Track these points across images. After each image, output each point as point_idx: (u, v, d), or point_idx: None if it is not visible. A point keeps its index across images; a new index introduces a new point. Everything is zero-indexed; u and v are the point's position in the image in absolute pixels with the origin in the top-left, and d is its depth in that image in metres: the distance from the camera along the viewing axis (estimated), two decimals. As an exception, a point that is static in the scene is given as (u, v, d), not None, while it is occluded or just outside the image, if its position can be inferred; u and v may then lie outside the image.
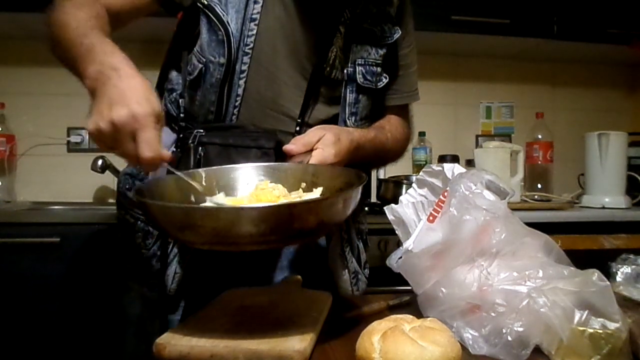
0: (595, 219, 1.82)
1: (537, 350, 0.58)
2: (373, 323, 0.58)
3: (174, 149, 0.91)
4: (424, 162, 2.17)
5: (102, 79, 0.65)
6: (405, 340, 0.53)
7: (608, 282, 0.58)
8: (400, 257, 0.75)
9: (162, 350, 0.61)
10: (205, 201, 0.75)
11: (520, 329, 0.58)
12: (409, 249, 0.77)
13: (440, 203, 0.78)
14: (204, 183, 0.77)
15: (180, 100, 0.93)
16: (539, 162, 2.17)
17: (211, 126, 0.89)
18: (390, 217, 0.86)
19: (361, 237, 1.07)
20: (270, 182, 0.77)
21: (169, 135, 0.95)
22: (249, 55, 0.89)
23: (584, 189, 2.10)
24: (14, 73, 2.08)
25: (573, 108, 2.53)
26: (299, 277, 0.90)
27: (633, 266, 0.82)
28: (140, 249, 0.93)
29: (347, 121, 0.96)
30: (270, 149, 0.86)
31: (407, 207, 0.85)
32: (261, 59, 0.90)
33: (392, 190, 1.76)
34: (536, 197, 2.07)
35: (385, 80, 1.00)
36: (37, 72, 2.05)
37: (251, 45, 0.89)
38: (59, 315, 1.50)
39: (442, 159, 2.14)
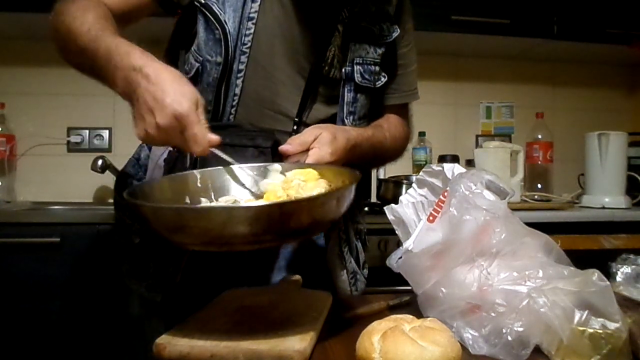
0: (595, 219, 1.82)
1: (537, 350, 0.58)
2: (373, 323, 0.58)
3: (171, 149, 0.91)
4: (424, 162, 2.17)
5: (132, 85, 0.67)
6: (405, 340, 0.53)
7: (608, 282, 0.58)
8: (400, 257, 0.75)
9: (162, 350, 0.61)
10: (200, 203, 0.75)
11: (520, 329, 0.58)
12: (409, 249, 0.77)
13: (440, 203, 0.78)
14: (198, 184, 0.77)
15: None
16: (539, 162, 2.17)
17: (208, 125, 0.89)
18: (390, 217, 0.86)
19: (360, 237, 1.06)
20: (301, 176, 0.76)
21: None
22: (247, 55, 0.89)
23: (584, 189, 2.10)
24: (14, 73, 2.08)
25: (573, 108, 2.53)
26: (299, 277, 0.90)
27: (633, 266, 0.82)
28: (138, 249, 0.93)
29: (345, 120, 0.96)
30: (267, 148, 0.86)
31: (407, 207, 0.85)
32: (259, 58, 0.90)
33: (392, 190, 1.77)
34: (536, 197, 2.07)
35: (383, 80, 1.00)
36: (37, 72, 2.05)
37: (249, 44, 0.89)
38: (59, 315, 1.50)
39: (442, 159, 2.14)
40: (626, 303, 0.65)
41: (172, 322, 0.68)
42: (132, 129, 0.90)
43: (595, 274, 0.59)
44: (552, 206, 1.95)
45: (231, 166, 0.80)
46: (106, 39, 0.73)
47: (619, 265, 0.83)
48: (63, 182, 2.10)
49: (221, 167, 0.80)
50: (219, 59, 0.88)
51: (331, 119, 0.96)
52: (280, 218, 0.59)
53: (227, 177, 0.80)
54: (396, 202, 0.86)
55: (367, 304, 0.80)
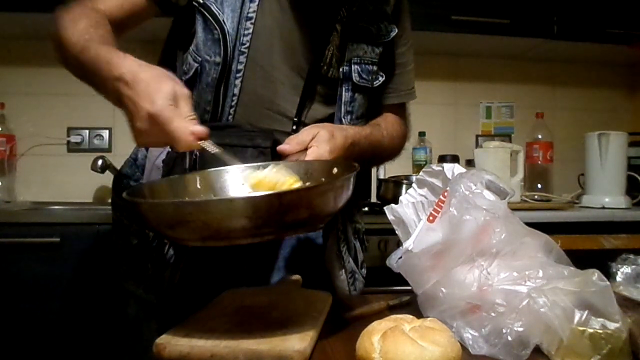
0: (595, 219, 1.82)
1: (537, 350, 0.58)
2: (373, 323, 0.58)
3: (169, 149, 0.91)
4: (424, 162, 2.17)
5: (117, 95, 0.68)
6: (405, 340, 0.53)
7: (608, 282, 0.58)
8: (400, 257, 0.75)
9: (162, 350, 0.61)
10: None
11: (520, 329, 0.58)
12: (409, 249, 0.77)
13: (440, 203, 0.78)
14: (198, 186, 0.77)
15: None
16: (539, 162, 2.17)
17: (207, 126, 0.89)
18: (390, 217, 0.86)
19: (358, 237, 1.06)
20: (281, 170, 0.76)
21: None
22: (245, 55, 0.89)
23: (584, 189, 2.10)
24: (14, 73, 2.08)
25: (573, 108, 2.53)
26: (299, 277, 0.90)
27: (633, 266, 0.82)
28: (136, 250, 0.93)
29: (343, 120, 0.96)
30: (267, 148, 0.86)
31: (407, 207, 0.85)
32: (257, 58, 0.90)
33: (392, 190, 1.77)
34: (536, 197, 2.07)
35: (381, 79, 1.00)
36: (37, 72, 2.05)
37: (247, 44, 0.89)
38: (58, 315, 1.50)
39: (442, 159, 2.14)
40: (626, 303, 0.65)
41: (170, 324, 0.68)
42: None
43: (595, 274, 0.59)
44: (552, 206, 1.95)
45: (229, 166, 0.80)
46: (89, 50, 0.74)
47: (619, 265, 0.83)
48: (63, 182, 2.10)
49: (220, 168, 0.80)
50: (218, 59, 0.88)
51: (330, 119, 0.97)
52: (280, 208, 0.58)
53: (226, 178, 0.80)
54: (396, 202, 0.86)
55: (367, 304, 0.80)
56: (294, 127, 0.93)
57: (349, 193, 0.68)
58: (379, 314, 0.76)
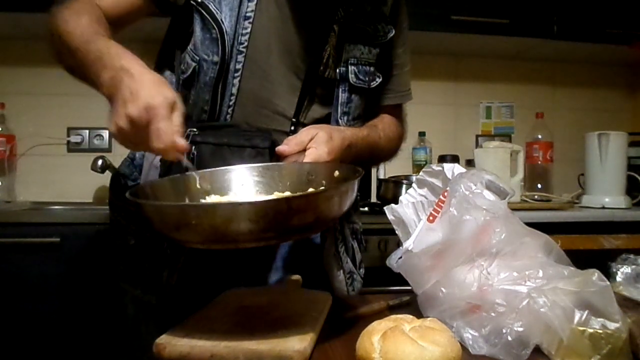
0: (595, 219, 1.82)
1: (537, 350, 0.58)
2: (373, 323, 0.58)
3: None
4: (424, 162, 2.17)
5: (115, 83, 0.67)
6: (405, 340, 0.53)
7: (608, 282, 0.58)
8: (400, 257, 0.75)
9: (162, 350, 0.61)
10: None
11: (520, 329, 0.58)
12: (409, 249, 0.77)
13: (440, 203, 0.78)
14: (197, 186, 0.77)
15: None
16: (539, 162, 2.17)
17: (205, 125, 0.89)
18: (390, 217, 0.86)
19: (356, 237, 1.06)
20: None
21: None
22: (243, 54, 0.89)
23: (584, 189, 2.10)
24: (14, 73, 2.08)
25: (573, 108, 2.53)
26: (299, 277, 0.90)
27: (633, 266, 0.82)
28: (133, 251, 0.93)
29: (339, 121, 0.96)
30: (265, 149, 0.85)
31: (407, 207, 0.85)
32: (255, 58, 0.90)
33: (392, 190, 1.77)
34: (536, 197, 2.07)
35: (378, 80, 1.00)
36: (37, 72, 2.05)
37: (245, 43, 0.88)
38: (58, 315, 1.50)
39: (442, 159, 2.14)
40: (626, 303, 0.65)
41: (168, 324, 0.68)
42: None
43: (595, 274, 0.59)
44: (552, 206, 1.95)
45: (231, 167, 0.80)
46: (98, 41, 0.74)
47: (619, 265, 0.83)
48: (63, 182, 2.10)
49: (222, 168, 0.80)
50: (216, 59, 0.87)
51: (327, 119, 0.97)
52: (287, 213, 0.59)
53: (227, 178, 0.80)
54: (396, 202, 0.87)
55: (367, 304, 0.80)
56: (292, 128, 0.93)
57: (353, 197, 0.69)
58: (379, 314, 0.76)
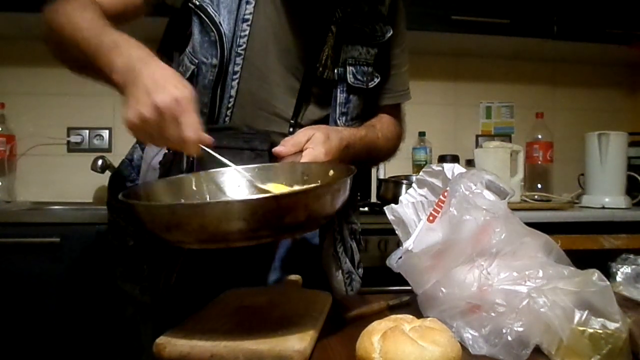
0: (595, 219, 1.82)
1: (537, 350, 0.58)
2: (373, 323, 0.58)
3: (167, 151, 0.91)
4: (424, 162, 2.17)
5: (134, 71, 0.66)
6: (405, 340, 0.53)
7: (608, 282, 0.58)
8: (400, 257, 0.75)
9: (162, 350, 0.61)
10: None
11: (520, 329, 0.58)
12: (409, 249, 0.77)
13: (440, 203, 0.78)
14: (194, 187, 0.77)
15: None
16: (539, 162, 2.17)
17: (204, 128, 0.89)
18: (390, 217, 0.86)
19: (354, 237, 1.06)
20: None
21: None
22: (242, 56, 0.88)
23: (584, 189, 2.10)
24: (14, 73, 2.08)
25: (573, 108, 2.53)
26: (299, 277, 0.90)
27: (633, 266, 0.82)
28: (132, 252, 0.93)
29: (338, 121, 0.96)
30: (264, 151, 0.85)
31: (407, 207, 0.85)
32: (254, 60, 0.90)
33: (392, 190, 1.76)
34: (536, 197, 2.07)
35: (376, 80, 1.00)
36: (37, 72, 2.05)
37: (244, 46, 0.88)
38: (58, 315, 1.50)
39: (442, 159, 2.14)
40: (626, 303, 0.65)
41: (166, 325, 0.68)
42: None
43: (595, 274, 0.59)
44: (552, 206, 1.95)
45: (226, 168, 0.79)
46: (113, 33, 0.73)
47: (619, 265, 0.83)
48: (63, 182, 2.10)
49: (217, 170, 0.80)
50: (215, 61, 0.87)
51: (326, 120, 0.96)
52: (277, 211, 0.58)
53: (223, 180, 0.80)
54: (396, 202, 0.87)
55: (367, 304, 0.80)
56: (291, 129, 0.93)
57: (346, 195, 0.68)
58: (379, 314, 0.76)
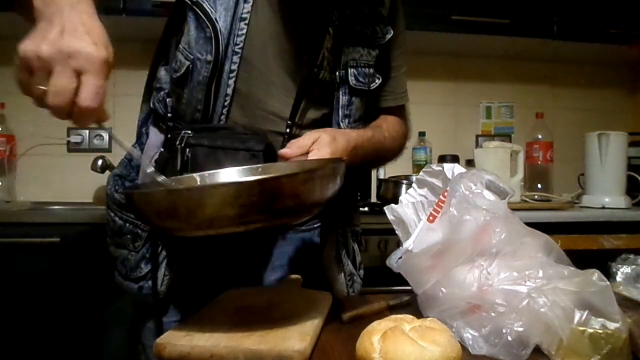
0: (595, 219, 1.82)
1: (537, 350, 0.58)
2: (373, 323, 0.58)
3: (162, 150, 0.91)
4: (424, 162, 2.17)
5: (56, 7, 0.58)
6: (405, 340, 0.53)
7: (608, 282, 0.58)
8: (400, 257, 0.75)
9: (162, 350, 0.61)
10: None
11: (520, 329, 0.58)
12: (409, 249, 0.77)
13: (440, 203, 0.78)
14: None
15: (167, 100, 0.92)
16: (539, 162, 2.17)
17: (199, 127, 0.88)
18: (390, 217, 0.86)
19: (356, 239, 1.07)
20: None
21: (157, 136, 0.94)
22: (239, 55, 0.88)
23: (584, 189, 2.10)
24: (14, 73, 2.08)
25: (573, 108, 2.53)
26: (299, 277, 0.90)
27: (633, 266, 0.82)
28: (129, 251, 0.93)
29: (341, 124, 0.96)
30: (259, 152, 0.85)
31: (407, 207, 0.85)
32: (251, 59, 0.90)
33: (392, 190, 1.77)
34: (536, 197, 2.07)
35: (378, 81, 1.00)
36: (37, 72, 2.04)
37: (241, 44, 0.88)
38: (58, 315, 1.50)
39: (442, 159, 2.14)
40: (626, 303, 0.65)
41: (165, 325, 0.68)
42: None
43: (595, 274, 0.59)
44: (552, 206, 1.95)
45: (224, 169, 0.80)
46: None
47: (619, 265, 0.83)
48: (63, 182, 2.10)
49: (216, 171, 0.80)
50: (209, 58, 0.87)
51: (323, 120, 0.96)
52: (261, 195, 0.58)
53: (225, 180, 0.80)
54: (396, 202, 0.86)
55: (367, 304, 0.80)
56: (288, 130, 0.93)
57: (336, 184, 0.68)
58: (379, 314, 0.76)
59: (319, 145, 0.82)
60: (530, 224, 0.71)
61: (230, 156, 0.83)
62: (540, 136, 2.20)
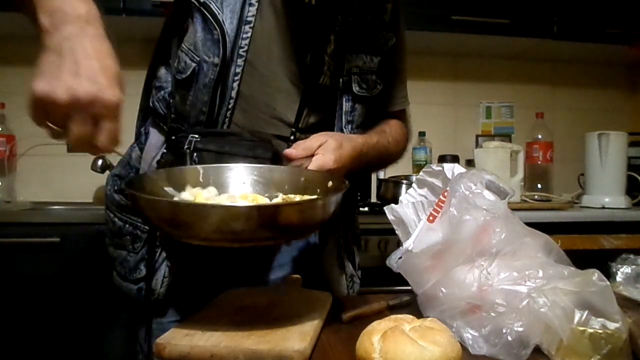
0: (595, 219, 1.82)
1: (537, 350, 0.58)
2: (373, 323, 0.58)
3: (164, 151, 0.91)
4: (424, 162, 2.17)
5: (66, 31, 0.55)
6: (405, 340, 0.53)
7: (608, 282, 0.58)
8: (400, 257, 0.75)
9: (162, 350, 0.61)
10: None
11: (520, 329, 0.58)
12: (409, 249, 0.77)
13: (440, 203, 0.78)
14: (201, 179, 0.79)
15: (170, 100, 0.92)
16: (539, 162, 2.17)
17: (206, 131, 0.88)
18: (390, 217, 0.86)
19: (355, 241, 1.07)
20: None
21: (157, 137, 0.94)
22: (244, 58, 0.88)
23: (584, 189, 2.10)
24: (14, 73, 2.08)
25: (573, 108, 2.53)
26: (299, 277, 0.90)
27: (633, 266, 0.82)
28: (129, 252, 0.93)
29: (344, 130, 0.96)
30: (267, 159, 0.86)
31: (407, 207, 0.85)
32: (256, 63, 0.90)
33: (392, 190, 1.77)
34: (536, 197, 2.07)
35: (379, 88, 1.00)
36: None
37: (246, 47, 0.88)
38: (58, 315, 1.50)
39: (442, 159, 2.14)
40: (626, 303, 0.65)
41: (164, 325, 0.68)
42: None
43: (595, 274, 0.59)
44: (552, 206, 1.95)
45: (233, 164, 0.82)
46: None
47: (619, 265, 0.83)
48: (63, 182, 2.10)
49: (224, 165, 0.82)
50: (217, 60, 0.87)
51: (320, 124, 0.96)
52: (257, 220, 0.62)
53: (229, 175, 0.81)
54: (396, 202, 0.87)
55: (367, 304, 0.80)
56: (292, 137, 0.93)
57: (331, 211, 0.70)
58: (379, 314, 0.76)
59: (324, 150, 0.82)
60: (530, 224, 0.71)
61: (237, 162, 0.84)
62: (540, 136, 2.20)
